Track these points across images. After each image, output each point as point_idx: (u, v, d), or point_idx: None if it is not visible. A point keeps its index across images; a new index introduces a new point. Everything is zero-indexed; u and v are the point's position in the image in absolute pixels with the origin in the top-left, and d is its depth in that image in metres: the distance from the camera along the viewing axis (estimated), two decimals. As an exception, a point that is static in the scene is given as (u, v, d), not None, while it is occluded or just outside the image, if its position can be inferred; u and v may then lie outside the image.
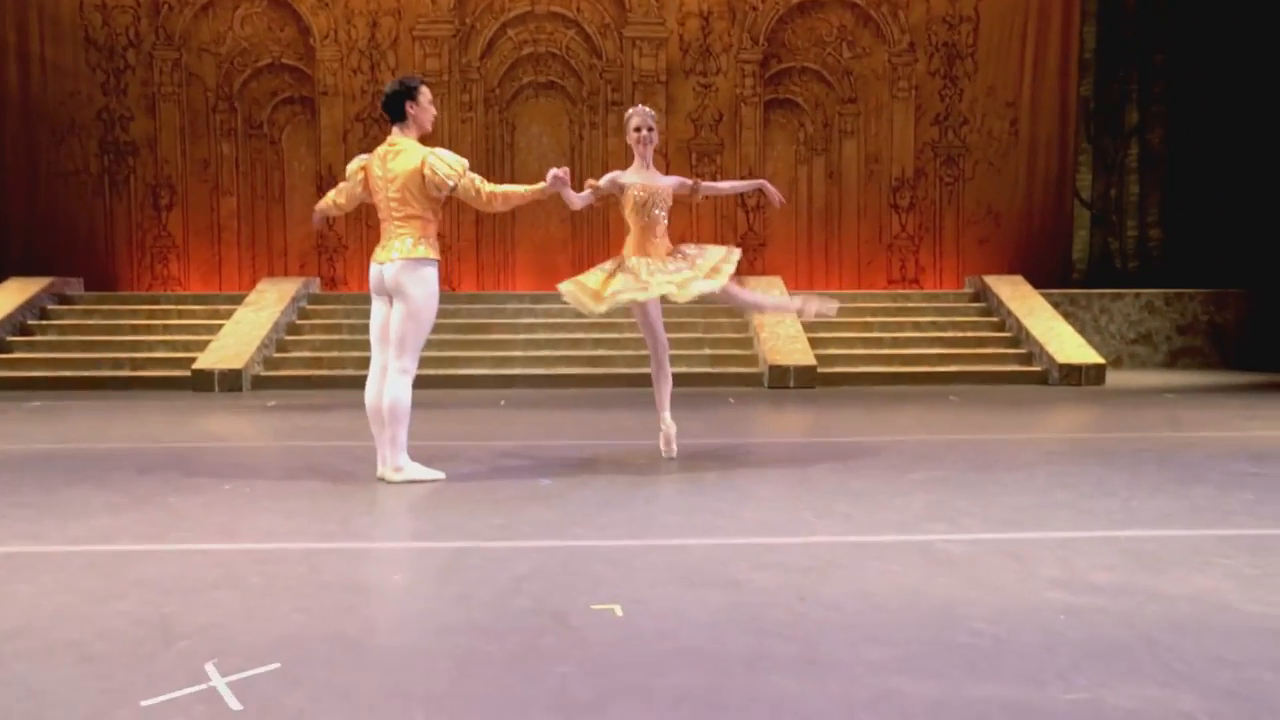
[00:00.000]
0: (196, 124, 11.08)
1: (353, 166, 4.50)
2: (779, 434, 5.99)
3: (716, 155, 11.51)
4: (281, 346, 9.09)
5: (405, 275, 4.18)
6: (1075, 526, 3.48)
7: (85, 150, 11.00)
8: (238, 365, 8.17)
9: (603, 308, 4.61)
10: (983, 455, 4.92)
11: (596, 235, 11.44)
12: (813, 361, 8.47)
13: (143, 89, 11.01)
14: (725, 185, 5.73)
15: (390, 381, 4.23)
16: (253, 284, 11.10)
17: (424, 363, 8.33)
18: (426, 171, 4.18)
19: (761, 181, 5.21)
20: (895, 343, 9.40)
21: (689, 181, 4.98)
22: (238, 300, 9.65)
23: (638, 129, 4.77)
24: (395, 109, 4.31)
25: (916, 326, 9.76)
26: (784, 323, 8.93)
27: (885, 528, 3.42)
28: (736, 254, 4.87)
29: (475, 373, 8.85)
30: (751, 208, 11.59)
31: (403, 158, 4.22)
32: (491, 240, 11.43)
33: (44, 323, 9.41)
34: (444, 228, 11.19)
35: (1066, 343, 8.88)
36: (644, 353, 9.02)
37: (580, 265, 11.52)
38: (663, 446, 4.91)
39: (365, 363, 8.64)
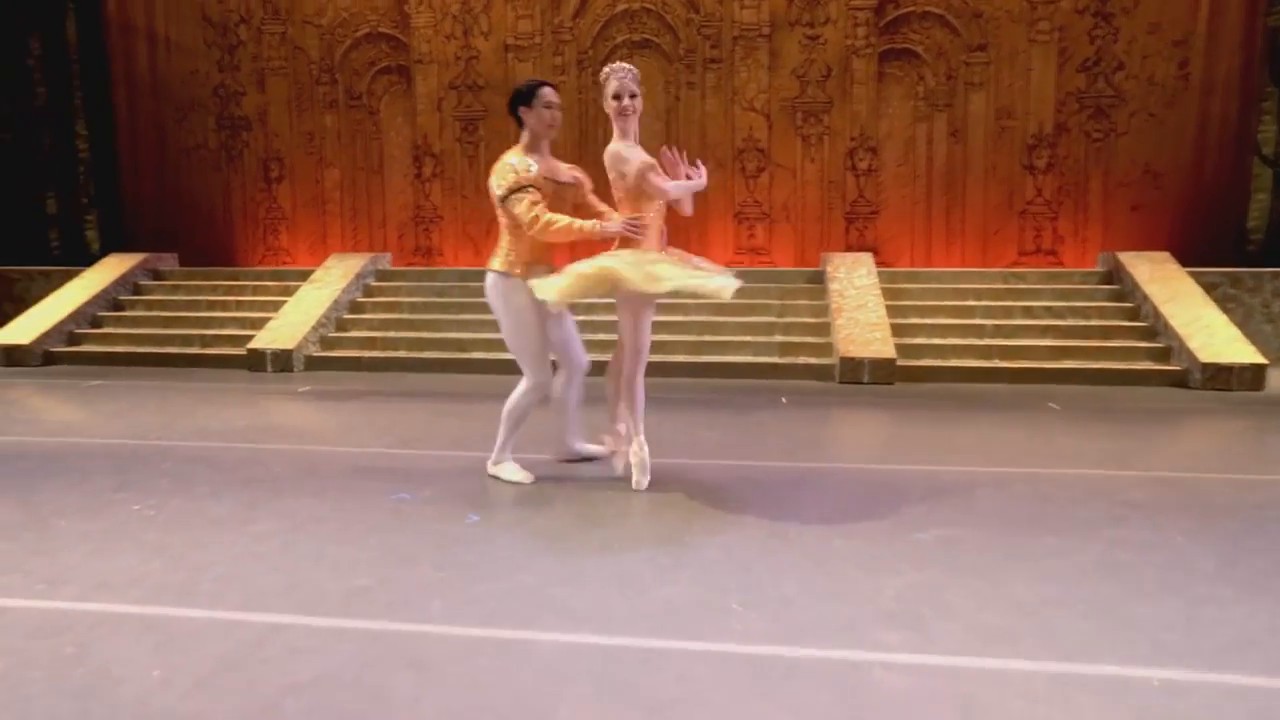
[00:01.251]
0: (302, 97, 11.32)
1: None
2: (799, 452, 5.07)
3: (824, 114, 10.54)
4: (341, 326, 9.11)
5: (491, 291, 4.14)
6: (1090, 654, 2.54)
7: (205, 126, 11.51)
8: (289, 346, 8.27)
9: (665, 287, 3.88)
10: (1037, 503, 4.08)
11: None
12: (891, 354, 7.59)
13: (253, 64, 11.33)
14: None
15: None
16: (355, 252, 11.36)
17: (463, 345, 8.32)
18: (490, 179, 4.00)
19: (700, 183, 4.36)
20: (999, 331, 8.28)
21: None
22: (309, 277, 9.79)
23: (617, 96, 4.04)
24: (513, 114, 4.14)
25: (1028, 312, 8.56)
26: (866, 306, 8.05)
27: (821, 632, 2.71)
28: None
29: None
30: (862, 171, 10.57)
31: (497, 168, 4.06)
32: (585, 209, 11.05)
33: (134, 298, 9.96)
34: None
35: (1216, 335, 7.49)
36: (708, 339, 8.60)
37: (674, 235, 10.98)
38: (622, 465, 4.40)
39: (419, 344, 8.73)
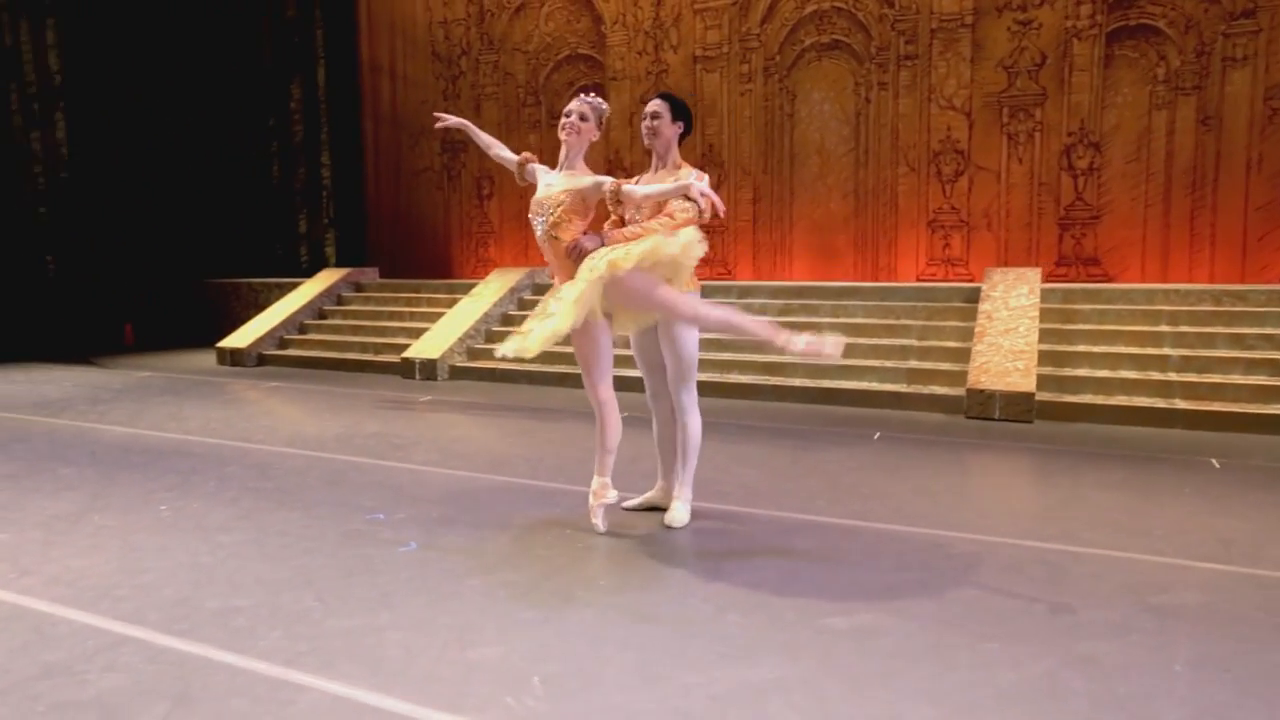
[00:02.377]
0: (510, 118, 12.09)
1: None
2: (832, 504, 4.31)
3: (1036, 108, 9.31)
4: (490, 338, 9.43)
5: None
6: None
7: (431, 151, 12.69)
8: (434, 355, 8.74)
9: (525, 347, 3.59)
10: (1034, 587, 3.20)
11: (882, 211, 10.06)
12: (1029, 387, 6.38)
13: (471, 91, 12.31)
14: (645, 190, 3.69)
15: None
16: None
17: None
18: None
19: (691, 177, 3.61)
20: (1188, 365, 6.69)
21: (606, 184, 3.69)
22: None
23: (566, 114, 3.87)
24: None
25: (1237, 342, 6.83)
26: (1015, 330, 6.88)
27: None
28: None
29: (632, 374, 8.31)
30: (1081, 170, 9.19)
31: None
32: (769, 220, 10.69)
33: (335, 308, 11.11)
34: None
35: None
36: (832, 362, 7.60)
37: (862, 246, 10.26)
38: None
39: (552, 358, 8.71)
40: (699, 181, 3.53)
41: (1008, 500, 4.60)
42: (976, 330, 7.19)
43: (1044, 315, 7.54)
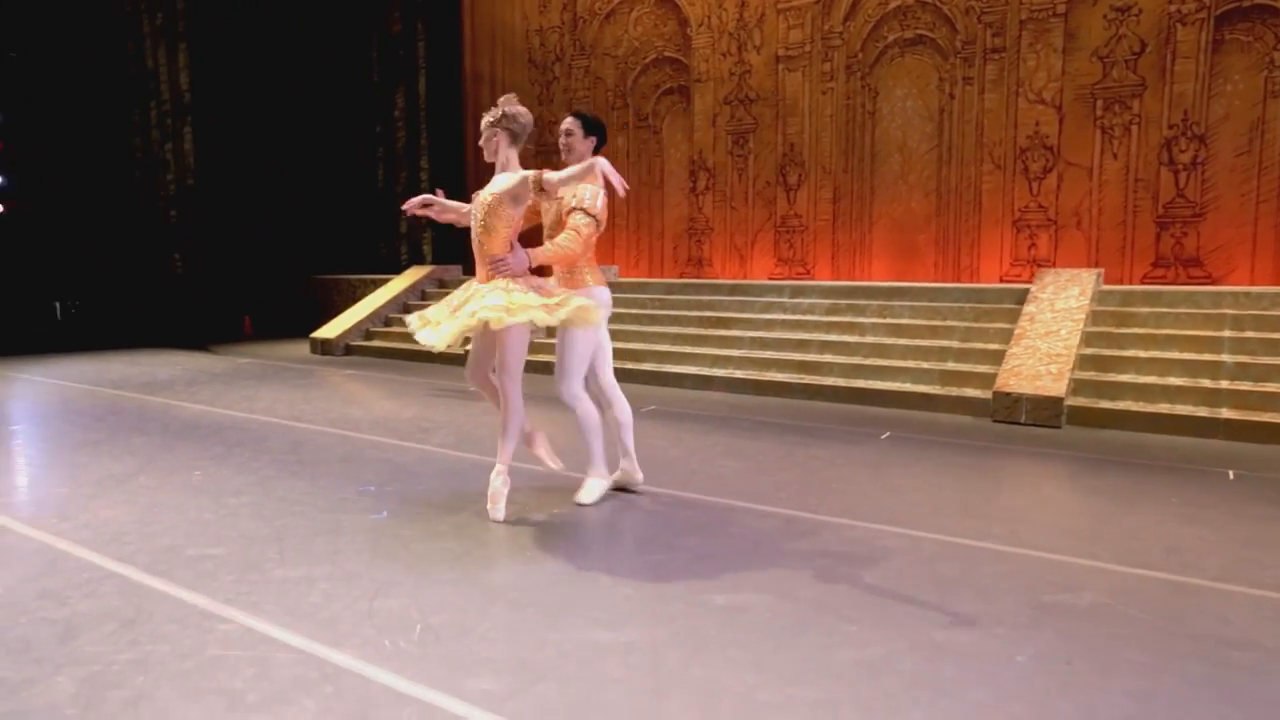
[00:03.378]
0: (599, 122, 12.39)
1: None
2: (797, 497, 4.23)
3: (1133, 100, 8.73)
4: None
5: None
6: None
7: (525, 154, 13.08)
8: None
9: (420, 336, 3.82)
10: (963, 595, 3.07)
11: (965, 209, 9.69)
12: (1058, 392, 6.00)
13: (564, 96, 12.70)
14: (561, 175, 3.87)
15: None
16: (637, 263, 12.12)
17: (637, 356, 8.30)
18: None
19: (597, 160, 3.74)
20: (1245, 372, 6.08)
21: (529, 176, 3.85)
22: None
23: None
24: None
25: None
26: (1057, 333, 6.44)
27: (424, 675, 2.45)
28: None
29: (683, 370, 8.32)
30: (1183, 165, 8.54)
31: None
32: (849, 219, 10.50)
33: (420, 303, 11.62)
34: (800, 206, 10.75)
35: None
36: (868, 362, 7.77)
37: (944, 245, 9.89)
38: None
39: (630, 355, 8.80)
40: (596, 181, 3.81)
41: (969, 500, 4.36)
42: (1016, 332, 6.84)
43: (1096, 318, 7.10)
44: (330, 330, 10.94)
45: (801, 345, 8.05)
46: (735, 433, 5.87)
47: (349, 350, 10.86)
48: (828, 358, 7.67)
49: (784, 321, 8.56)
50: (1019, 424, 6.13)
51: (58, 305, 12.35)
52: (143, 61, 12.80)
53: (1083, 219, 9.05)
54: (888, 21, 10.06)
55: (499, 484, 3.93)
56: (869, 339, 7.75)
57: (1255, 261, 8.32)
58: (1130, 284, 8.61)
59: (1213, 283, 8.35)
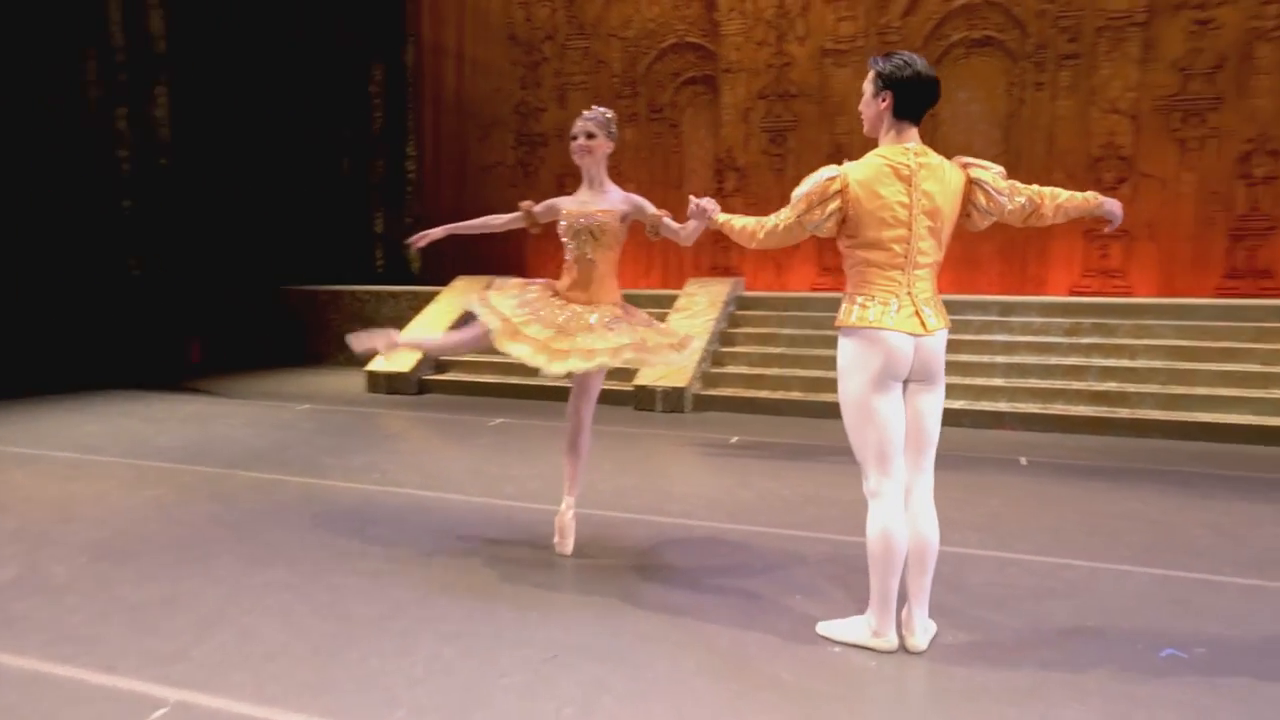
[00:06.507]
0: (602, 112, 10.98)
1: (828, 186, 2.89)
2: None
3: (1211, 113, 8.85)
4: (717, 360, 8.23)
5: (943, 348, 2.91)
6: None
7: (504, 144, 11.46)
8: (681, 384, 7.51)
9: (560, 369, 3.41)
10: None
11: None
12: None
13: (555, 80, 11.16)
14: (679, 226, 3.54)
15: (929, 505, 2.88)
16: (648, 272, 10.85)
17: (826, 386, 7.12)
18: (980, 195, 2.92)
19: (707, 210, 3.29)
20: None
21: (649, 211, 3.63)
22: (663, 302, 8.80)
23: (574, 136, 3.74)
24: (927, 102, 2.93)
25: None
26: None
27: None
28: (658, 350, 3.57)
29: (950, 405, 7.31)
30: (1259, 179, 8.76)
31: (945, 175, 2.90)
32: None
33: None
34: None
35: None
36: (1178, 391, 6.84)
37: (1009, 255, 9.60)
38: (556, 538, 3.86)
39: (809, 384, 7.59)
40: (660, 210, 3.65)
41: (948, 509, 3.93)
42: None
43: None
44: (397, 362, 8.30)
45: (1076, 372, 7.24)
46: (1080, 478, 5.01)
47: (422, 387, 8.60)
48: (1118, 386, 6.99)
49: (1027, 344, 7.65)
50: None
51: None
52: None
53: (1156, 231, 9.06)
54: (952, 19, 9.60)
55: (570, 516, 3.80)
56: (1147, 362, 7.16)
57: (1327, 273, 8.69)
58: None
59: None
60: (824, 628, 3.04)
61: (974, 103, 9.62)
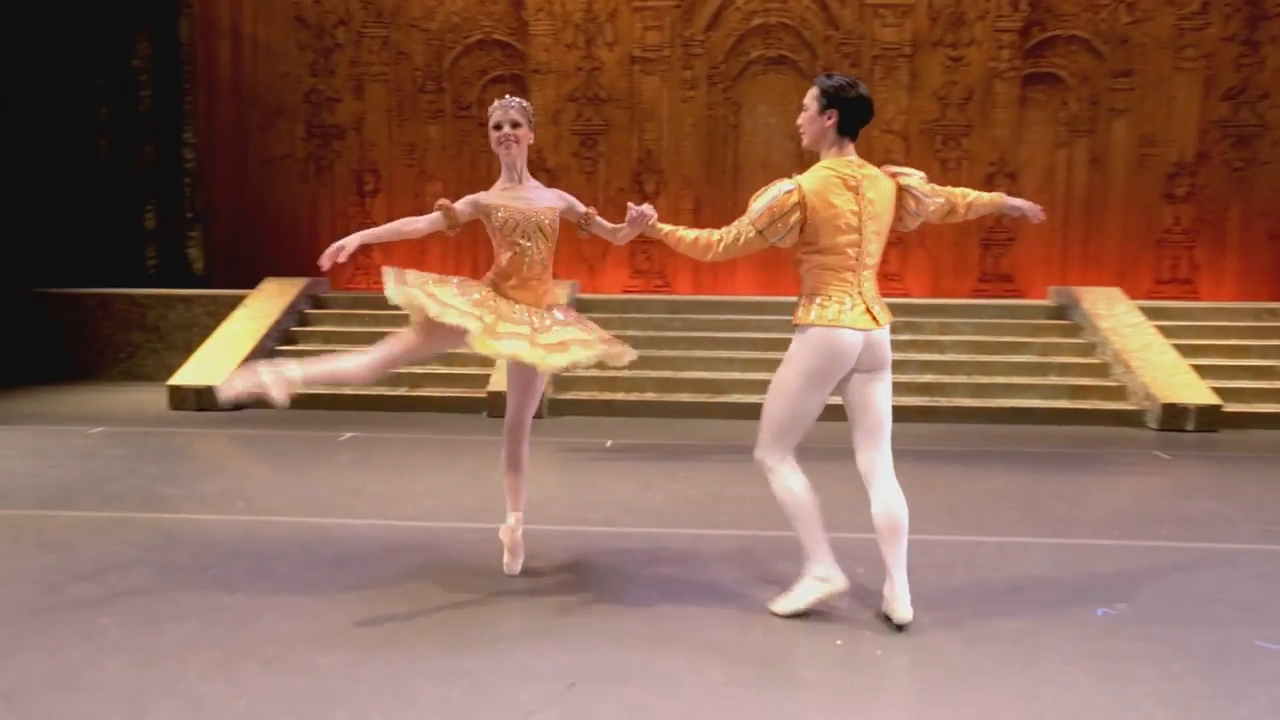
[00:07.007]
0: (404, 105, 10.49)
1: (788, 199, 3.14)
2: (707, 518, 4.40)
3: (963, 138, 10.23)
4: None
5: (889, 340, 3.27)
6: None
7: (293, 135, 10.57)
8: (502, 387, 7.31)
9: (562, 361, 3.33)
10: None
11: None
12: (1215, 400, 7.25)
13: (351, 69, 10.48)
14: (614, 227, 3.68)
15: (891, 481, 3.21)
16: (457, 271, 10.51)
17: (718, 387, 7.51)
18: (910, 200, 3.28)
19: (646, 216, 3.50)
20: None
21: (579, 209, 3.63)
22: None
23: (497, 126, 3.50)
24: (864, 121, 3.21)
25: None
26: (1151, 345, 7.75)
27: None
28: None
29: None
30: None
31: (881, 184, 3.22)
32: (708, 231, 10.47)
33: (303, 329, 8.74)
34: (659, 216, 10.40)
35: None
36: (988, 380, 7.79)
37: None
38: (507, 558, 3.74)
39: (661, 385, 7.64)
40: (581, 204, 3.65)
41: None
42: (1117, 346, 8.03)
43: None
44: (201, 374, 7.31)
45: (900, 365, 8.00)
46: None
47: (238, 404, 7.45)
48: (936, 378, 7.83)
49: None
50: (1185, 431, 7.06)
51: None
52: None
53: (925, 239, 10.26)
54: (750, 37, 10.26)
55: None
56: (955, 355, 8.13)
57: (1049, 274, 10.35)
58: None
59: (1020, 296, 10.20)
60: (780, 606, 3.26)
61: (772, 116, 10.35)
